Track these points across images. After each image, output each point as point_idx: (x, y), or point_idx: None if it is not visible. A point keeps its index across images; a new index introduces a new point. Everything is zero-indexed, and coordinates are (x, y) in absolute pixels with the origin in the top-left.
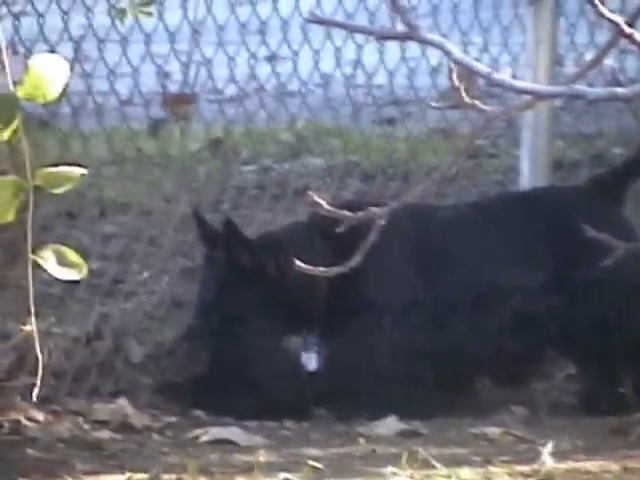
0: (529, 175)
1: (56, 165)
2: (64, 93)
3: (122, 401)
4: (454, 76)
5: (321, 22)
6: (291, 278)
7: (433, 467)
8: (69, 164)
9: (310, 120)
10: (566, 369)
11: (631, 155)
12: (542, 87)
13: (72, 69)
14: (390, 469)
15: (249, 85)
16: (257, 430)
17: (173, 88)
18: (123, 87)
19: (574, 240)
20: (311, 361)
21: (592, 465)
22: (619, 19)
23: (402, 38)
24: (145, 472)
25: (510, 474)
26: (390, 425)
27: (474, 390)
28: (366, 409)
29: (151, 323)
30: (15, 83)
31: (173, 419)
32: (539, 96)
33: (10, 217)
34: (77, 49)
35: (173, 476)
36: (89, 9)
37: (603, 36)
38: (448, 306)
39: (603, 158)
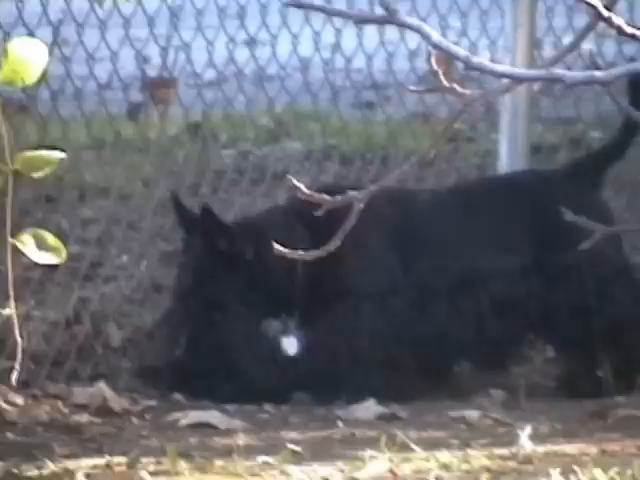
0: (507, 159)
1: (35, 149)
2: (43, 77)
3: (101, 385)
4: (433, 60)
5: (300, 6)
6: (270, 263)
7: (412, 450)
8: (48, 148)
9: (289, 104)
10: (545, 353)
11: (610, 140)
12: (520, 71)
13: (51, 53)
14: (369, 452)
15: (228, 69)
16: (236, 414)
17: (152, 72)
18: (102, 71)
19: (553, 224)
20: (290, 345)
21: (570, 448)
22: (597, 2)
23: (381, 22)
24: (124, 455)
25: (489, 457)
26: (369, 409)
27: (453, 374)
28: (345, 393)
29: (130, 307)
30: None
31: (152, 403)
32: (517, 80)
33: None
34: (56, 33)
35: (152, 459)
36: None
37: (581, 20)
38: (428, 290)
39: (581, 142)
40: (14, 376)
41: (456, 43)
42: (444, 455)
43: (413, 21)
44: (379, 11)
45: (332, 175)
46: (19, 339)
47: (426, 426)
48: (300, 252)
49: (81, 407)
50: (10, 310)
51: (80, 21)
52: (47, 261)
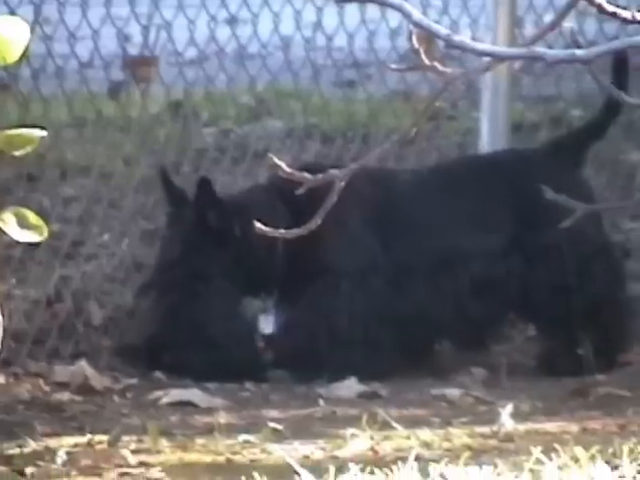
0: (488, 137)
1: (16, 128)
2: (24, 56)
3: (82, 363)
4: (414, 38)
5: None
6: (253, 240)
7: (393, 428)
8: (29, 127)
9: (270, 83)
10: (526, 331)
11: (591, 119)
12: (501, 49)
13: (32, 32)
14: (350, 430)
15: (209, 48)
16: (217, 392)
17: (133, 51)
18: (83, 50)
19: (533, 203)
20: (269, 324)
21: (551, 426)
22: None
23: (361, 0)
24: (105, 434)
25: (470, 435)
26: (350, 387)
27: (434, 352)
28: (326, 371)
29: (112, 285)
30: None
31: (133, 381)
32: (498, 58)
33: None
34: (37, 12)
35: (134, 437)
36: None
37: None
38: (408, 269)
39: (562, 120)
40: None
41: (437, 21)
42: (425, 433)
43: None
44: None
45: (313, 153)
46: (0, 318)
47: (407, 404)
48: (281, 230)
49: (62, 385)
50: None
51: None
52: (28, 239)
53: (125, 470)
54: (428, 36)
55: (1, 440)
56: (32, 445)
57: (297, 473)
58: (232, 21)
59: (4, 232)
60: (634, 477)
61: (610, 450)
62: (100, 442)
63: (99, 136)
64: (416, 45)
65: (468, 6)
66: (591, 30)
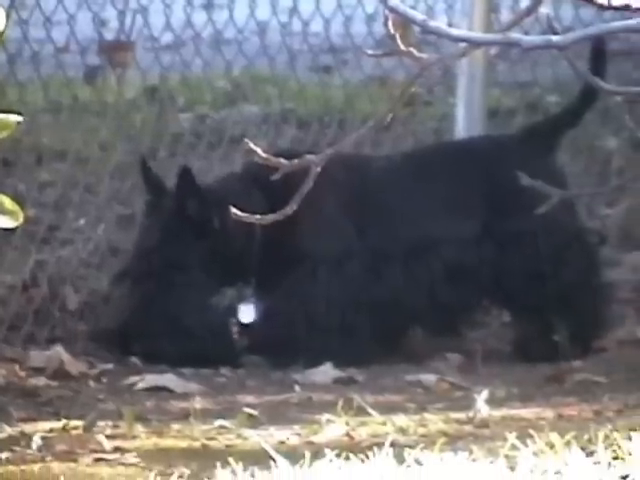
0: (465, 123)
1: None
2: (0, 40)
3: (58, 348)
4: (390, 24)
5: None
6: (230, 230)
7: (368, 414)
8: (5, 111)
9: (246, 68)
10: (501, 317)
11: (566, 106)
12: (477, 35)
13: (8, 16)
14: (326, 416)
15: (185, 33)
16: (192, 377)
17: (109, 36)
18: (59, 34)
19: (507, 190)
20: (247, 313)
21: (527, 412)
22: None
23: None
24: (81, 419)
25: (445, 421)
26: (326, 373)
27: (409, 338)
28: (302, 357)
29: (87, 270)
30: None
31: (109, 366)
32: (474, 44)
33: None
34: None
35: (109, 423)
36: None
37: None
38: (383, 256)
39: (538, 106)
40: None
41: (413, 7)
42: (400, 419)
43: None
44: None
45: (289, 139)
46: None
47: (383, 390)
48: (257, 216)
49: (38, 370)
50: None
51: None
52: (4, 224)
53: (100, 455)
54: (404, 22)
55: None
56: (7, 430)
57: (272, 459)
58: (208, 6)
59: None
60: (609, 463)
61: (585, 436)
62: (75, 427)
63: (75, 121)
64: (392, 31)
65: None
66: (567, 16)
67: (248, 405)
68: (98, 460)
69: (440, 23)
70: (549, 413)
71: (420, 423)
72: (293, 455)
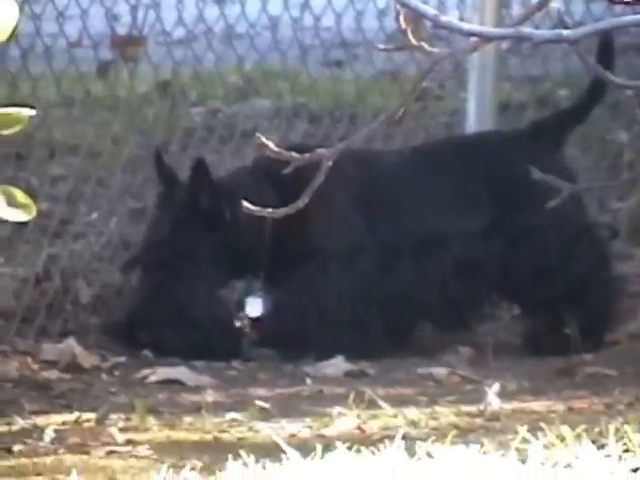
0: (476, 117)
1: (5, 107)
2: (13, 35)
3: (71, 341)
4: (401, 19)
5: None
6: (241, 223)
7: (380, 407)
8: (18, 106)
9: (258, 62)
10: (512, 311)
11: (574, 101)
12: (489, 29)
13: (21, 11)
14: (337, 409)
15: (197, 27)
16: (204, 370)
17: (122, 30)
18: (72, 29)
19: (517, 184)
20: (254, 306)
21: (537, 405)
22: None
23: None
24: (93, 412)
25: (456, 414)
26: (337, 365)
27: (420, 332)
28: (313, 350)
29: (99, 264)
30: None
31: (121, 359)
32: (486, 38)
33: None
34: None
35: (121, 416)
36: None
37: None
38: (393, 251)
39: (549, 100)
40: None
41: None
42: (412, 412)
43: None
44: None
45: (301, 133)
46: None
47: (394, 383)
48: (269, 210)
49: (50, 363)
50: None
51: None
52: (17, 218)
53: (113, 448)
54: (415, 16)
55: None
56: (20, 423)
57: (284, 451)
58: (220, 0)
59: None
60: (620, 456)
61: (596, 429)
62: (88, 420)
63: (87, 115)
64: (403, 25)
65: None
66: (578, 11)
67: (260, 398)
68: (110, 453)
69: (451, 18)
70: (560, 406)
71: (431, 416)
72: (304, 448)
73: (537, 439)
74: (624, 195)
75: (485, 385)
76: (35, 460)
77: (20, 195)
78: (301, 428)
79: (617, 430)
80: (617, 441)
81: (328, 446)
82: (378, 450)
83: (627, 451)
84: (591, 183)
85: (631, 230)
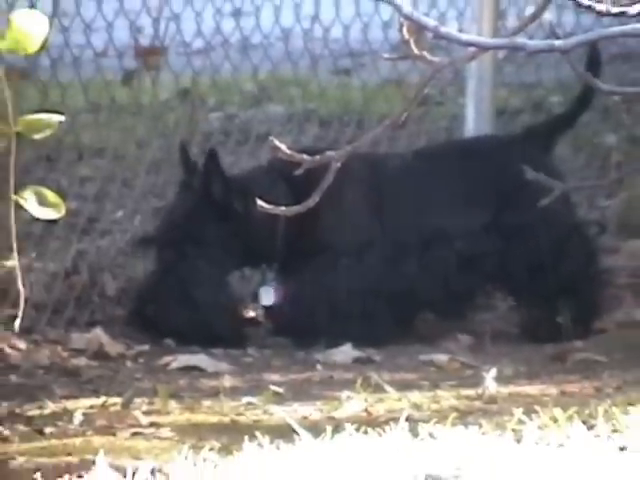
0: (474, 122)
1: (36, 113)
2: (43, 46)
3: (98, 331)
4: (404, 30)
5: None
6: (255, 215)
7: (385, 391)
8: (48, 112)
9: (271, 71)
10: (509, 301)
11: (564, 109)
12: (486, 40)
13: (51, 24)
14: (346, 393)
15: (215, 39)
16: (222, 357)
17: (144, 41)
18: (98, 40)
19: (512, 185)
20: (268, 295)
21: (532, 389)
22: None
23: None
24: (119, 396)
25: (456, 398)
26: (346, 352)
27: (422, 321)
28: (324, 338)
29: (124, 259)
30: None
31: (145, 347)
32: (483, 48)
33: None
34: (56, 5)
35: (145, 400)
36: None
37: None
38: (398, 245)
39: (542, 106)
40: (17, 323)
41: (426, 14)
42: (415, 396)
43: None
44: None
45: (311, 137)
46: (21, 289)
47: (398, 369)
48: (282, 208)
49: (79, 351)
50: (13, 262)
51: None
52: (47, 216)
53: (137, 430)
54: (417, 28)
55: (22, 402)
56: (51, 407)
57: (296, 433)
58: (236, 13)
59: (25, 209)
60: (608, 436)
61: (587, 411)
62: (114, 404)
63: (113, 120)
64: (406, 36)
65: (455, 0)
66: (569, 22)
67: (274, 383)
68: (135, 434)
69: (451, 29)
70: (553, 390)
71: (433, 399)
72: (315, 429)
73: (531, 420)
74: (612, 193)
75: (483, 370)
76: (65, 441)
77: (50, 195)
78: (312, 411)
79: (606, 412)
80: (606, 422)
81: (337, 428)
82: (384, 431)
83: (615, 431)
84: (581, 182)
85: (618, 226)
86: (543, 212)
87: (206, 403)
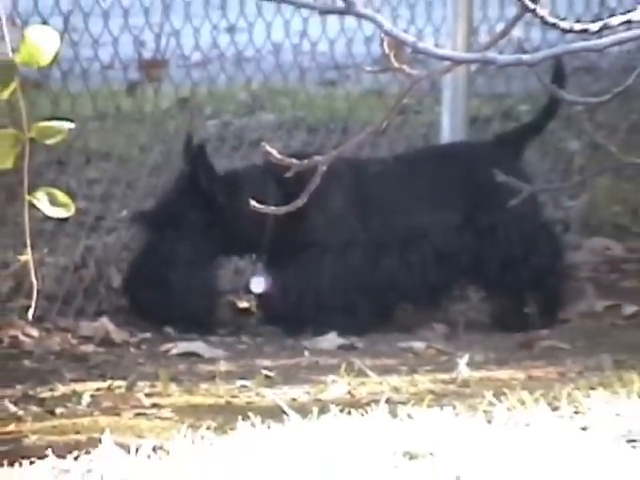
0: (449, 129)
1: (48, 120)
2: (55, 59)
3: (104, 320)
4: (385, 45)
5: None
6: (241, 209)
7: (367, 376)
8: (59, 119)
9: (263, 82)
10: (481, 293)
11: (531, 118)
12: (460, 54)
13: (62, 39)
14: (331, 377)
15: (212, 52)
16: (218, 344)
17: (147, 55)
18: (105, 54)
19: (483, 187)
20: (258, 284)
21: (502, 374)
22: None
23: (341, 12)
24: (123, 380)
25: (432, 381)
26: (331, 340)
27: (401, 311)
28: (311, 327)
29: (128, 254)
30: (13, 51)
31: (147, 335)
32: (457, 62)
33: (9, 164)
34: (66, 22)
35: (147, 383)
36: None
37: (512, 10)
38: (378, 242)
39: (511, 114)
40: (30, 312)
41: (405, 30)
42: (394, 380)
43: (368, 12)
44: (340, 3)
45: (300, 142)
46: (34, 281)
47: (379, 355)
48: (272, 208)
49: (87, 339)
50: (27, 256)
51: (87, 11)
52: (58, 215)
53: (140, 411)
54: (397, 43)
55: (35, 385)
56: (61, 389)
57: (286, 413)
58: (231, 29)
59: (38, 209)
60: (571, 417)
61: (551, 394)
62: (119, 387)
63: (118, 127)
64: (387, 50)
65: (432, 17)
66: (536, 38)
67: (265, 368)
68: (138, 414)
69: (428, 44)
70: (520, 374)
71: (411, 383)
72: (303, 410)
73: (501, 402)
74: (575, 195)
75: (457, 356)
76: (74, 421)
77: (61, 195)
78: (300, 393)
79: (569, 395)
80: (569, 404)
81: (323, 409)
82: (366, 412)
83: (577, 413)
84: (547, 185)
85: (581, 224)
86: (512, 212)
87: (203, 386)
